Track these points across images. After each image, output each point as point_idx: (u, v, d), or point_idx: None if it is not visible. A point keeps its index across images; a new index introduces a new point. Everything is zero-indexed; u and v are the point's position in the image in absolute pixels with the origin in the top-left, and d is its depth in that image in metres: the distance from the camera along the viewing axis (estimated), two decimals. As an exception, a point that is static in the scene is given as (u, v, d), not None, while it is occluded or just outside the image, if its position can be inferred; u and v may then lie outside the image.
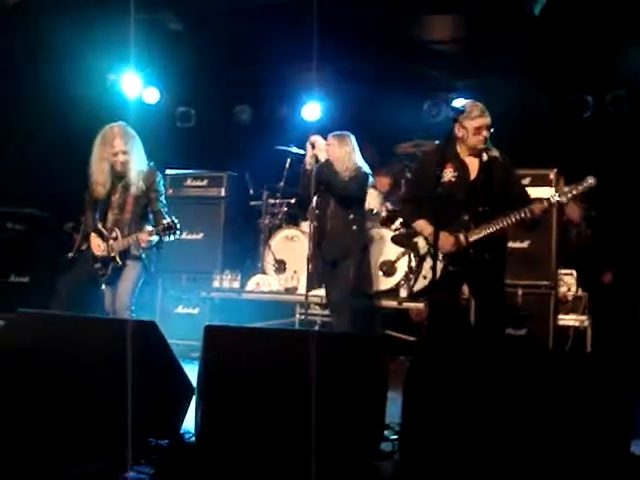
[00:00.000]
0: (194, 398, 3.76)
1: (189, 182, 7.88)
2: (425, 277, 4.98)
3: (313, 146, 6.00)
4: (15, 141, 7.33)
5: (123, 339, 3.48)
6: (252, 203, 8.09)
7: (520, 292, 6.57)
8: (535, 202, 4.65)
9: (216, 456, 3.49)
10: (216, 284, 7.50)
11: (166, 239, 5.13)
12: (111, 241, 5.27)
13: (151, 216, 5.36)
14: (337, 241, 5.92)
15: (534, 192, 6.06)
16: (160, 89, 9.13)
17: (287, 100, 9.29)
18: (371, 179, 6.21)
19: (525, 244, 6.54)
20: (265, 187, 7.88)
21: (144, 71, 8.64)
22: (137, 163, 5.30)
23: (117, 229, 5.27)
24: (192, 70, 8.67)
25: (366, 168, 6.05)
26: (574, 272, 6.97)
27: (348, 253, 5.90)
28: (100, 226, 5.34)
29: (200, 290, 7.48)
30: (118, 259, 5.25)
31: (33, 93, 7.68)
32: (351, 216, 5.97)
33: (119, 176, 5.31)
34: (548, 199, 4.62)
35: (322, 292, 6.39)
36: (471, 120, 4.66)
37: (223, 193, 7.82)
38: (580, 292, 6.90)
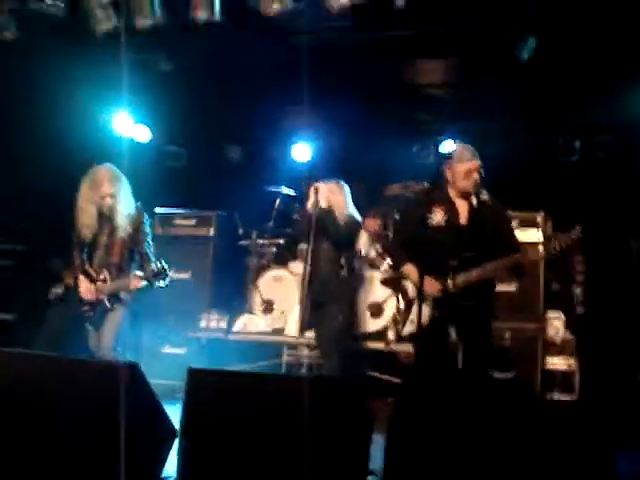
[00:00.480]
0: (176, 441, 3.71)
1: (178, 221, 7.88)
2: (413, 321, 4.96)
3: (317, 191, 6.07)
4: (3, 175, 7.32)
5: (104, 381, 3.45)
6: (241, 243, 8.08)
7: (508, 335, 6.56)
8: (522, 252, 4.64)
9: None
10: (203, 324, 7.46)
11: (156, 284, 5.17)
12: (99, 283, 5.27)
13: (138, 258, 5.38)
14: (327, 284, 5.98)
15: (522, 235, 6.12)
16: (151, 128, 9.17)
17: (277, 140, 9.33)
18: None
19: (513, 287, 6.54)
20: (254, 227, 7.88)
21: (136, 110, 8.67)
22: (124, 206, 5.34)
23: (106, 271, 5.29)
24: (183, 110, 8.71)
25: (358, 216, 6.23)
26: (561, 314, 6.98)
27: (337, 296, 5.95)
28: (88, 267, 5.34)
29: (187, 330, 7.44)
30: (107, 303, 5.27)
31: (24, 131, 7.70)
32: (342, 260, 6.09)
33: (106, 218, 5.34)
34: (537, 250, 4.61)
35: (310, 334, 6.37)
36: (461, 163, 4.68)
37: (212, 232, 7.83)
38: (568, 335, 6.89)
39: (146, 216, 5.51)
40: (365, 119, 8.68)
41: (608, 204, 7.60)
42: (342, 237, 6.07)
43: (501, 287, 6.07)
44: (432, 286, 4.59)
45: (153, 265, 5.18)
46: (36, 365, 3.99)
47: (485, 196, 4.75)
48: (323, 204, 6.06)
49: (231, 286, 8.10)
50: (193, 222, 7.90)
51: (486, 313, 4.78)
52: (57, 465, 3.54)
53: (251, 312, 7.52)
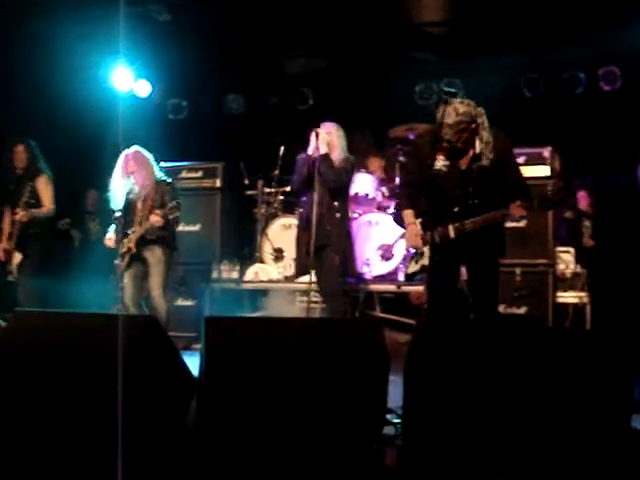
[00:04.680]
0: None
1: (184, 174, 7.87)
2: (417, 262, 4.98)
3: (317, 136, 6.04)
4: (9, 136, 7.31)
5: (124, 335, 3.48)
6: (248, 193, 8.06)
7: (518, 271, 6.59)
8: (516, 204, 4.57)
9: (219, 446, 3.50)
10: (215, 275, 7.50)
11: (171, 219, 5.82)
12: (130, 236, 5.92)
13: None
14: (322, 228, 5.97)
15: (530, 170, 6.10)
16: (151, 82, 9.10)
17: (278, 88, 9.26)
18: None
19: (522, 223, 6.53)
20: (260, 176, 7.86)
21: (135, 65, 8.60)
22: (150, 178, 5.98)
23: (137, 226, 5.93)
24: (182, 61, 8.65)
25: (352, 157, 6.22)
26: (572, 249, 7.00)
27: (332, 239, 5.98)
28: (124, 228, 6.00)
29: (198, 281, 7.48)
30: (133, 247, 5.90)
31: (27, 89, 7.67)
32: (336, 204, 6.08)
33: (137, 192, 5.97)
34: (529, 206, 4.57)
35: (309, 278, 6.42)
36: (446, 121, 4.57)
37: (219, 184, 7.82)
38: (579, 269, 6.92)
39: (172, 180, 6.26)
40: (366, 62, 8.61)
41: (615, 137, 7.56)
42: (340, 182, 6.09)
43: (510, 224, 6.07)
44: (423, 237, 4.61)
45: (170, 203, 5.80)
46: (55, 323, 4.04)
47: (489, 138, 4.63)
48: (323, 149, 6.04)
49: (240, 236, 8.13)
50: (199, 174, 7.88)
51: (494, 250, 4.78)
52: (79, 420, 3.60)
53: (262, 261, 7.55)
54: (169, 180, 6.18)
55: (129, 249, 5.92)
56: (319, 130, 6.07)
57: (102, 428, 3.38)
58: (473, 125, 4.55)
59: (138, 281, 5.99)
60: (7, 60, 7.31)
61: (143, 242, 5.92)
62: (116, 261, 5.97)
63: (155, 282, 5.93)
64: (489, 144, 4.58)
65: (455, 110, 4.51)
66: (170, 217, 5.80)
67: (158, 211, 5.79)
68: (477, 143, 4.60)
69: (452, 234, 4.61)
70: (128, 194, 6.01)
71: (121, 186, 6.02)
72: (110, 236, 6.07)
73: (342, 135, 6.17)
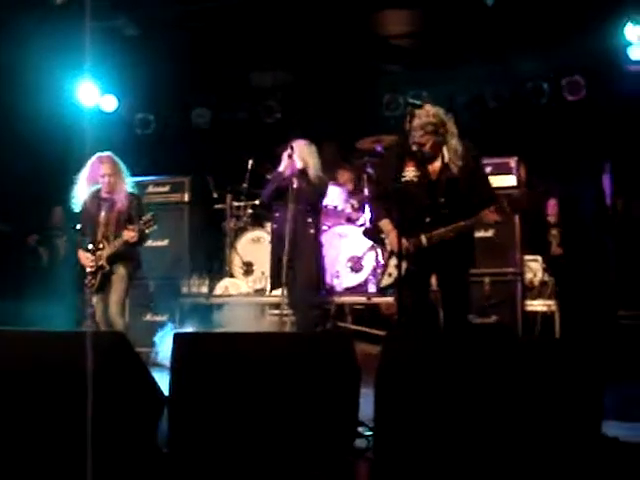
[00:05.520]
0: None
1: (151, 189, 7.82)
2: (390, 275, 4.99)
3: (292, 151, 6.07)
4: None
5: (92, 352, 3.44)
6: (216, 206, 8.03)
7: (487, 280, 6.63)
8: (489, 209, 4.61)
9: (190, 464, 3.47)
10: (184, 290, 7.46)
11: (146, 233, 5.76)
12: (98, 252, 5.77)
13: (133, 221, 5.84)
14: (297, 243, 6.01)
15: (496, 180, 6.15)
16: (117, 96, 9.04)
17: (245, 102, 9.24)
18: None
19: (490, 233, 6.59)
20: (228, 190, 7.83)
21: (100, 79, 8.54)
22: (121, 184, 5.88)
23: (105, 241, 5.78)
24: (149, 76, 8.60)
25: (325, 177, 6.33)
26: (539, 258, 7.05)
27: (304, 254, 6.03)
28: (90, 243, 5.85)
29: (168, 297, 7.43)
30: (105, 265, 5.76)
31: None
32: (309, 220, 6.15)
33: (105, 197, 5.86)
34: (501, 209, 4.60)
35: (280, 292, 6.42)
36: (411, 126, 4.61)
37: (186, 198, 7.79)
38: (546, 277, 6.98)
39: (141, 194, 6.25)
40: (334, 74, 8.63)
41: (580, 146, 7.63)
42: (315, 198, 6.20)
43: (478, 233, 6.11)
44: (403, 244, 4.61)
45: (143, 217, 5.70)
46: (16, 341, 3.98)
47: (457, 147, 4.67)
48: (299, 164, 6.08)
49: (209, 250, 8.09)
50: (167, 188, 7.85)
51: (463, 260, 4.81)
52: (47, 439, 3.55)
53: (231, 275, 7.52)
54: (139, 194, 6.11)
55: (101, 267, 5.77)
56: (294, 145, 6.10)
57: (71, 445, 3.33)
58: (442, 130, 4.59)
59: (106, 297, 5.88)
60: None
61: (112, 258, 5.80)
62: (86, 279, 5.83)
63: (114, 299, 5.80)
64: (457, 152, 4.62)
65: (426, 112, 4.57)
66: (147, 231, 5.71)
67: (131, 226, 5.66)
68: (445, 151, 4.63)
69: (425, 243, 4.64)
70: (90, 200, 5.85)
71: (86, 190, 5.87)
72: (87, 255, 5.85)
73: (315, 152, 6.25)
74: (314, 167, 6.18)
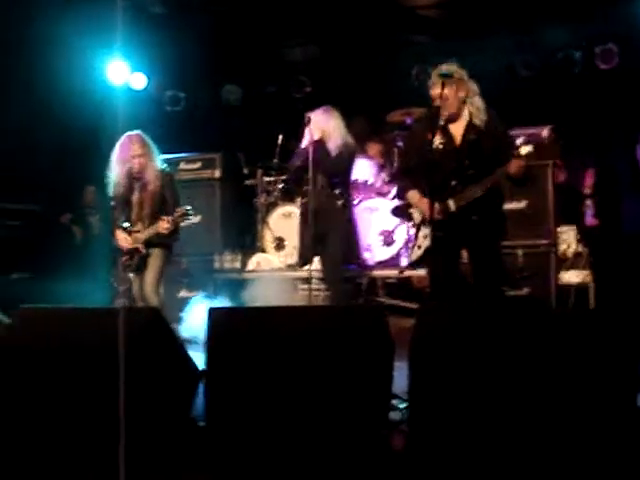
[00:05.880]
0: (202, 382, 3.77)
1: (183, 166, 7.86)
2: (420, 247, 4.98)
3: (308, 123, 5.98)
4: (7, 135, 7.30)
5: (127, 327, 3.48)
6: (247, 182, 8.05)
7: (520, 252, 6.57)
8: (512, 160, 4.59)
9: (227, 438, 3.51)
10: (217, 266, 7.50)
11: (181, 224, 5.76)
12: (135, 234, 5.79)
13: (168, 206, 5.80)
14: (323, 217, 5.95)
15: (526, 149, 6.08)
16: (147, 74, 9.06)
17: (275, 77, 9.22)
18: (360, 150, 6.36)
19: (522, 204, 6.53)
20: (259, 165, 7.84)
21: (130, 57, 8.56)
22: (152, 164, 5.83)
23: (140, 223, 5.80)
24: (178, 53, 8.61)
25: (352, 141, 6.12)
26: (573, 229, 6.97)
27: (334, 227, 5.96)
28: (125, 222, 5.87)
29: (201, 273, 7.48)
30: (142, 250, 5.77)
31: (24, 88, 7.64)
32: (336, 191, 6.02)
33: (137, 177, 5.82)
34: (519, 154, 4.57)
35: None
36: (431, 89, 4.64)
37: (217, 174, 7.82)
38: (581, 248, 6.90)
39: (172, 171, 6.16)
40: (362, 47, 8.58)
41: (614, 115, 7.51)
42: (337, 169, 6.03)
43: (510, 205, 6.08)
44: (433, 210, 4.60)
45: (179, 208, 5.67)
46: (58, 318, 4.05)
47: (481, 113, 4.67)
48: (316, 135, 5.98)
49: (241, 226, 8.12)
50: (198, 165, 7.88)
51: (493, 229, 4.78)
52: (85, 414, 3.61)
53: (263, 250, 7.55)
54: (170, 171, 6.07)
55: (138, 249, 5.79)
56: (309, 116, 6.01)
57: (107, 422, 3.39)
58: (463, 85, 4.59)
59: (142, 276, 5.90)
60: (2, 57, 7.29)
61: (148, 244, 5.81)
62: (122, 258, 5.86)
63: (150, 277, 5.81)
64: (480, 107, 4.63)
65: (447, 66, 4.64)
66: (181, 224, 5.73)
67: (166, 217, 5.63)
68: (468, 108, 4.63)
69: (453, 207, 4.62)
70: (123, 181, 5.84)
71: (118, 171, 5.85)
72: (124, 235, 5.83)
73: (338, 119, 6.07)
74: (334, 135, 5.99)
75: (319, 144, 5.93)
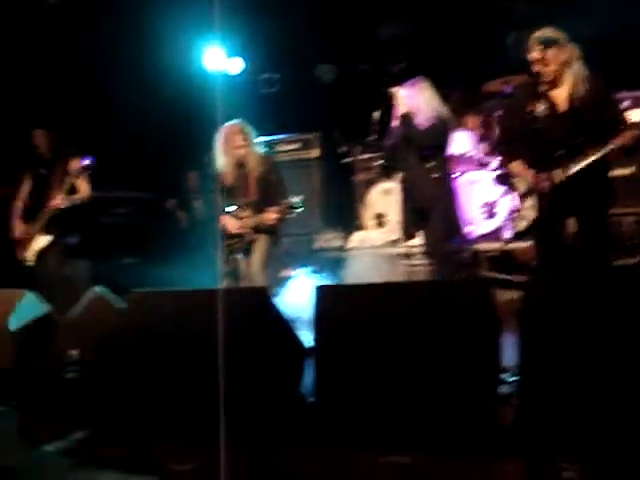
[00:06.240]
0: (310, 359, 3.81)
1: (281, 147, 7.94)
2: (524, 218, 4.89)
3: (394, 98, 5.92)
4: (118, 126, 7.54)
5: (235, 307, 3.56)
6: (345, 160, 8.06)
7: (630, 220, 6.36)
8: (626, 130, 4.43)
9: (335, 413, 3.55)
10: (318, 244, 7.56)
11: (287, 217, 5.91)
12: (243, 219, 5.97)
13: (273, 195, 5.97)
14: (421, 192, 5.89)
15: (635, 114, 5.87)
16: (243, 58, 9.17)
17: (369, 54, 9.17)
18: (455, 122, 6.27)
19: (629, 170, 6.31)
20: (357, 143, 7.84)
21: (225, 43, 8.68)
22: (254, 152, 6.03)
23: (247, 209, 5.97)
24: (271, 35, 8.67)
25: (445, 111, 5.97)
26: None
27: (434, 201, 5.88)
28: (231, 208, 6.04)
29: (302, 252, 7.56)
30: (249, 233, 5.96)
31: (132, 82, 7.86)
32: (432, 164, 5.91)
33: (241, 165, 6.02)
34: (631, 122, 4.42)
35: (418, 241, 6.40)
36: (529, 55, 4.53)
37: (316, 154, 7.86)
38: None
39: (273, 154, 6.34)
40: (455, 17, 8.43)
41: None
42: (426, 142, 5.87)
43: (618, 171, 5.88)
44: (540, 180, 4.50)
45: (286, 201, 5.82)
46: (169, 301, 4.19)
47: (581, 80, 4.52)
48: (403, 109, 5.89)
49: (341, 204, 8.15)
50: (297, 146, 7.96)
51: (602, 199, 4.64)
52: (200, 390, 3.72)
53: (363, 228, 7.56)
54: (272, 155, 6.24)
55: (246, 235, 5.97)
56: (393, 91, 5.92)
57: (217, 398, 3.49)
58: (562, 44, 4.50)
59: (250, 258, 6.04)
60: (110, 52, 7.50)
61: (256, 230, 5.99)
62: (230, 241, 6.01)
63: (257, 259, 5.97)
64: (583, 74, 4.48)
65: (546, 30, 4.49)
66: (286, 217, 5.87)
67: (274, 208, 5.82)
68: (570, 73, 4.50)
69: (560, 177, 4.51)
70: (231, 170, 6.03)
71: (223, 159, 6.04)
72: (232, 220, 6.00)
73: (428, 91, 5.93)
74: (424, 108, 5.84)
75: (405, 119, 5.86)
